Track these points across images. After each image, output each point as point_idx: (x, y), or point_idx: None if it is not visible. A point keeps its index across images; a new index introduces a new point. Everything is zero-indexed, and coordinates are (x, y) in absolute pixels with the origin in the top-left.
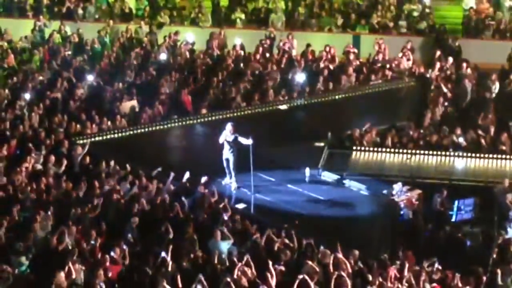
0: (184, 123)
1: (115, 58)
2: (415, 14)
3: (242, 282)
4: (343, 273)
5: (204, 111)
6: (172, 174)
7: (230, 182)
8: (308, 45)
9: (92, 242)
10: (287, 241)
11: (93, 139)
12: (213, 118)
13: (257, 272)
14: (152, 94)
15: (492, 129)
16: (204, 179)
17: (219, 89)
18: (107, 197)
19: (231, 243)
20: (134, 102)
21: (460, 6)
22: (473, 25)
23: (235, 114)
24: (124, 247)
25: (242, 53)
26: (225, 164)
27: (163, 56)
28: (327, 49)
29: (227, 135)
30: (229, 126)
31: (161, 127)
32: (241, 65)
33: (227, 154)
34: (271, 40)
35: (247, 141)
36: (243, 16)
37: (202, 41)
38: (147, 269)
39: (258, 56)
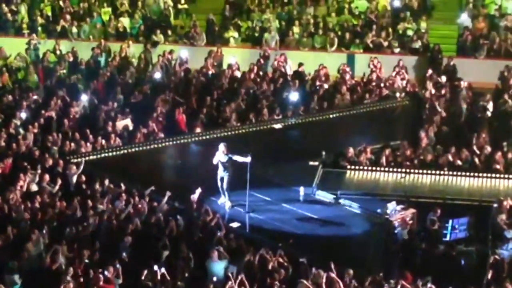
0: (178, 142)
1: (110, 77)
2: (410, 33)
3: None
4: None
5: (198, 130)
6: (168, 193)
7: (224, 201)
8: (300, 64)
9: (86, 261)
10: (281, 260)
11: (87, 158)
12: (208, 137)
13: None
14: (146, 113)
15: (487, 148)
16: (197, 192)
17: (213, 108)
18: (101, 216)
19: (228, 262)
20: (128, 121)
21: (455, 25)
22: (467, 45)
23: (229, 133)
24: (118, 266)
25: (237, 72)
26: (219, 184)
27: (157, 75)
28: (321, 68)
29: (220, 155)
30: (222, 147)
31: (155, 146)
32: (236, 84)
33: (221, 173)
34: (265, 59)
35: (244, 159)
36: (236, 35)
37: (196, 60)
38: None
39: (252, 75)
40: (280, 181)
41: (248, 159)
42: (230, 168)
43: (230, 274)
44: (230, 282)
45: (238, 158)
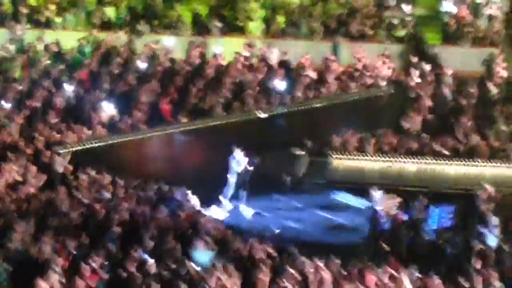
0: (163, 132)
1: (95, 67)
2: (395, 22)
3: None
4: (323, 278)
5: (183, 119)
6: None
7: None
8: (284, 54)
9: (73, 252)
10: (269, 249)
11: (73, 149)
12: (193, 126)
13: (241, 281)
14: (131, 103)
15: (471, 136)
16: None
17: (199, 98)
18: (87, 206)
19: (214, 253)
20: (113, 111)
21: (440, 13)
22: (452, 33)
23: (214, 123)
24: (104, 256)
25: (222, 61)
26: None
27: (142, 65)
28: (307, 57)
29: (235, 162)
30: (237, 153)
31: (141, 136)
32: (221, 73)
33: (235, 181)
34: (250, 49)
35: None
36: (221, 24)
37: (181, 50)
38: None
39: (237, 65)
40: (266, 171)
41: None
42: (244, 173)
43: (217, 264)
44: (217, 272)
45: (246, 164)
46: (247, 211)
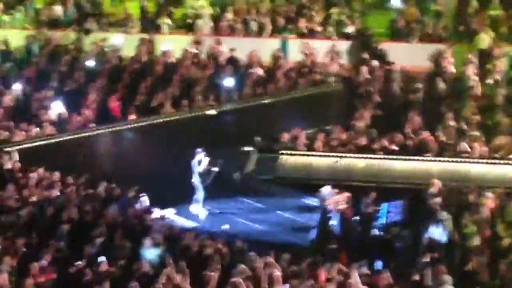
0: (112, 129)
1: (43, 65)
2: (343, 18)
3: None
4: (273, 274)
5: (132, 117)
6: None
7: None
8: (232, 50)
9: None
10: (219, 246)
11: (21, 147)
12: (142, 124)
13: (190, 277)
14: (80, 101)
15: (420, 132)
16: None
17: (147, 95)
18: (36, 204)
19: (163, 250)
20: (61, 109)
21: (388, 10)
22: (400, 29)
23: (163, 120)
24: (54, 254)
25: (171, 58)
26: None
27: (90, 63)
28: (255, 54)
29: (197, 163)
30: (199, 153)
31: (90, 133)
32: (169, 71)
33: (197, 181)
34: (199, 46)
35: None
36: (170, 21)
37: (130, 47)
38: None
39: (186, 62)
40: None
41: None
42: (205, 174)
43: (168, 261)
44: (167, 269)
45: (207, 165)
46: (203, 211)
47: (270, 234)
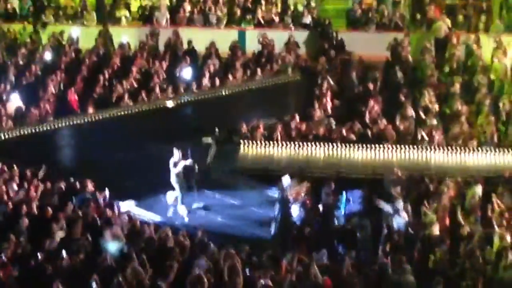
0: (71, 122)
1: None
2: (300, 8)
3: (134, 281)
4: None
5: (91, 110)
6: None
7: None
8: (190, 42)
9: None
10: (181, 238)
11: None
12: (101, 117)
13: (153, 270)
14: (37, 95)
15: (379, 121)
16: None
17: (105, 88)
18: None
19: (123, 243)
20: (19, 103)
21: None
22: (357, 18)
23: (122, 113)
24: (14, 249)
25: (128, 51)
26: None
27: (48, 56)
28: (213, 45)
29: (174, 161)
30: (176, 152)
31: (48, 127)
32: (127, 63)
33: (174, 180)
34: (156, 37)
35: (187, 162)
36: (127, 13)
37: (87, 40)
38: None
39: (143, 54)
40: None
41: (189, 162)
42: (181, 172)
43: (128, 254)
44: (132, 264)
45: (184, 163)
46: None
47: (231, 227)
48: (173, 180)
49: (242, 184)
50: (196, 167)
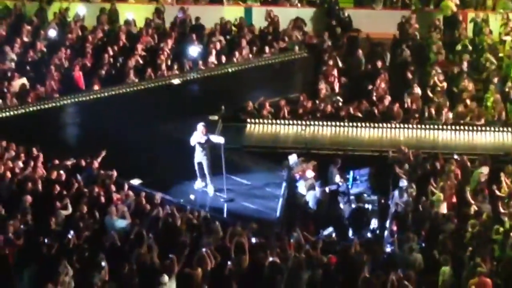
0: (76, 100)
1: (4, 36)
2: None
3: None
4: (240, 242)
5: (96, 87)
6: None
7: (203, 185)
8: (197, 18)
9: None
10: (189, 216)
11: None
12: (106, 94)
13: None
14: (43, 72)
15: (386, 99)
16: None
17: (111, 65)
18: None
19: (128, 221)
20: (24, 80)
21: None
22: None
23: (128, 90)
24: (19, 226)
25: (134, 28)
26: (196, 167)
27: (52, 33)
28: (222, 21)
29: (198, 136)
30: (200, 127)
31: (54, 104)
32: (133, 40)
33: (200, 157)
34: (162, 14)
35: (218, 139)
36: None
37: (92, 17)
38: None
39: (149, 31)
40: (181, 137)
41: (222, 140)
42: (208, 150)
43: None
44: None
45: (214, 138)
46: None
47: (238, 204)
48: (199, 155)
49: (248, 162)
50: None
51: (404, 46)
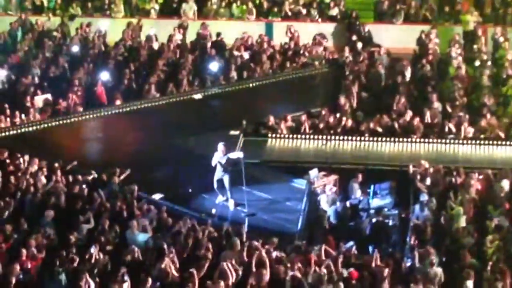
0: (98, 114)
1: (27, 51)
2: (327, 0)
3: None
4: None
5: (118, 102)
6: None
7: (224, 199)
8: (218, 34)
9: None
10: (211, 229)
11: (6, 133)
12: (128, 109)
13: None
14: (65, 87)
15: (406, 114)
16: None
17: (133, 80)
18: (23, 191)
19: (149, 236)
20: (47, 95)
21: None
22: (384, 10)
23: (149, 105)
24: (41, 240)
25: (156, 43)
26: (216, 185)
27: (75, 48)
28: (244, 37)
29: (219, 156)
30: (220, 147)
31: (76, 119)
32: (154, 55)
33: (220, 175)
34: (184, 30)
35: (237, 155)
36: (156, 6)
37: (114, 32)
38: (71, 263)
39: (171, 46)
40: (203, 152)
41: (241, 154)
42: (228, 167)
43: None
44: (167, 259)
45: (233, 156)
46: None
47: (259, 219)
48: (219, 173)
49: (269, 176)
50: (242, 160)
51: (424, 61)
